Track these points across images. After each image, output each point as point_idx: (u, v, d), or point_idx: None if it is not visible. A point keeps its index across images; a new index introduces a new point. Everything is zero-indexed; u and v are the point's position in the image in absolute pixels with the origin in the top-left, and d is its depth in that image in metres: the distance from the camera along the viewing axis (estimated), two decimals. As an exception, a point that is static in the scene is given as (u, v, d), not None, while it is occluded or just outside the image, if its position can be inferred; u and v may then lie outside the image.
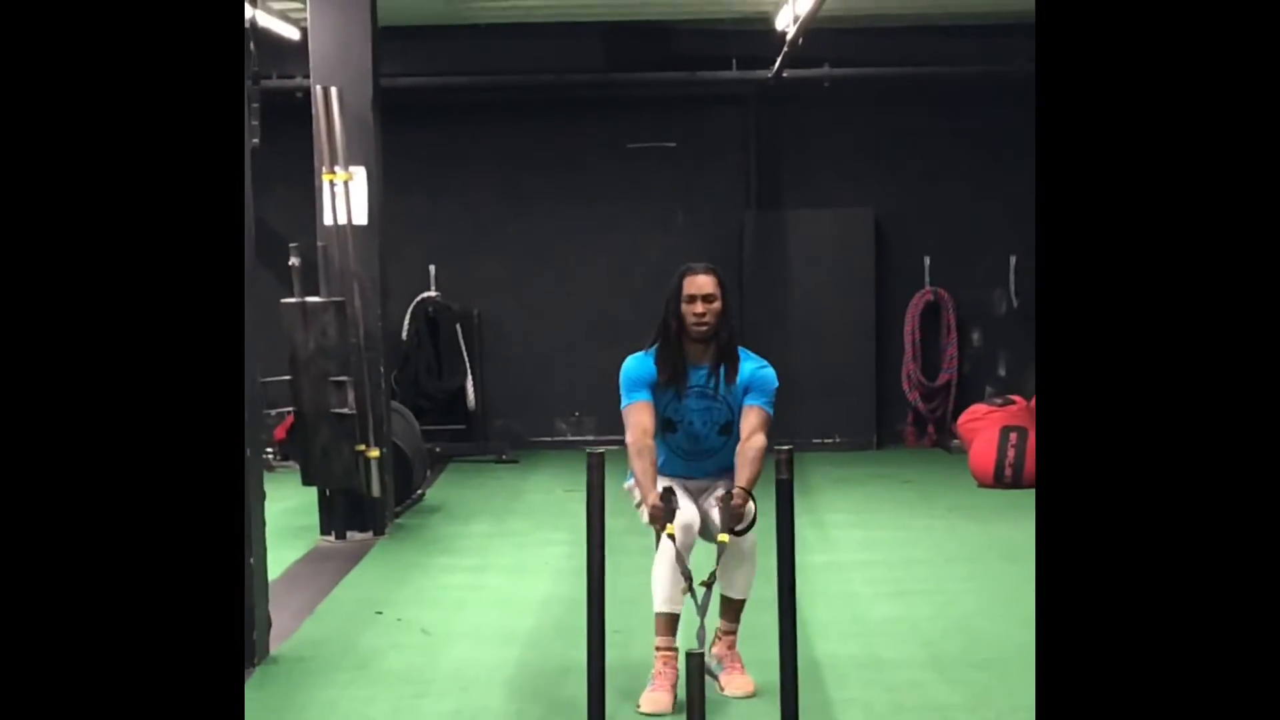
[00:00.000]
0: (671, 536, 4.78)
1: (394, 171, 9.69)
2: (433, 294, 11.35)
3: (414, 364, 11.23)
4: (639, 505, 5.00)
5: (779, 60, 10.17)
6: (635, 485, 5.04)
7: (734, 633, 5.26)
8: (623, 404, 5.09)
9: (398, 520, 8.55)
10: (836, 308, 11.46)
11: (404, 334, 11.21)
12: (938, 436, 11.62)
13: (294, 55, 9.45)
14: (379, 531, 8.19)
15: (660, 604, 5.03)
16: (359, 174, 8.24)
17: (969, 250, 11.52)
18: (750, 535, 4.97)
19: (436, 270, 11.42)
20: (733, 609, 5.23)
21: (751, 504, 4.91)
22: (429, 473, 9.97)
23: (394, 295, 10.22)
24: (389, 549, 7.88)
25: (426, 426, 10.50)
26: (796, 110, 11.57)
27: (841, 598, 6.60)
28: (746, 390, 5.12)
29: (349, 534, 8.13)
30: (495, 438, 11.45)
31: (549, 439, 11.61)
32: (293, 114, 9.03)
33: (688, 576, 4.74)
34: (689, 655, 4.15)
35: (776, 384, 5.16)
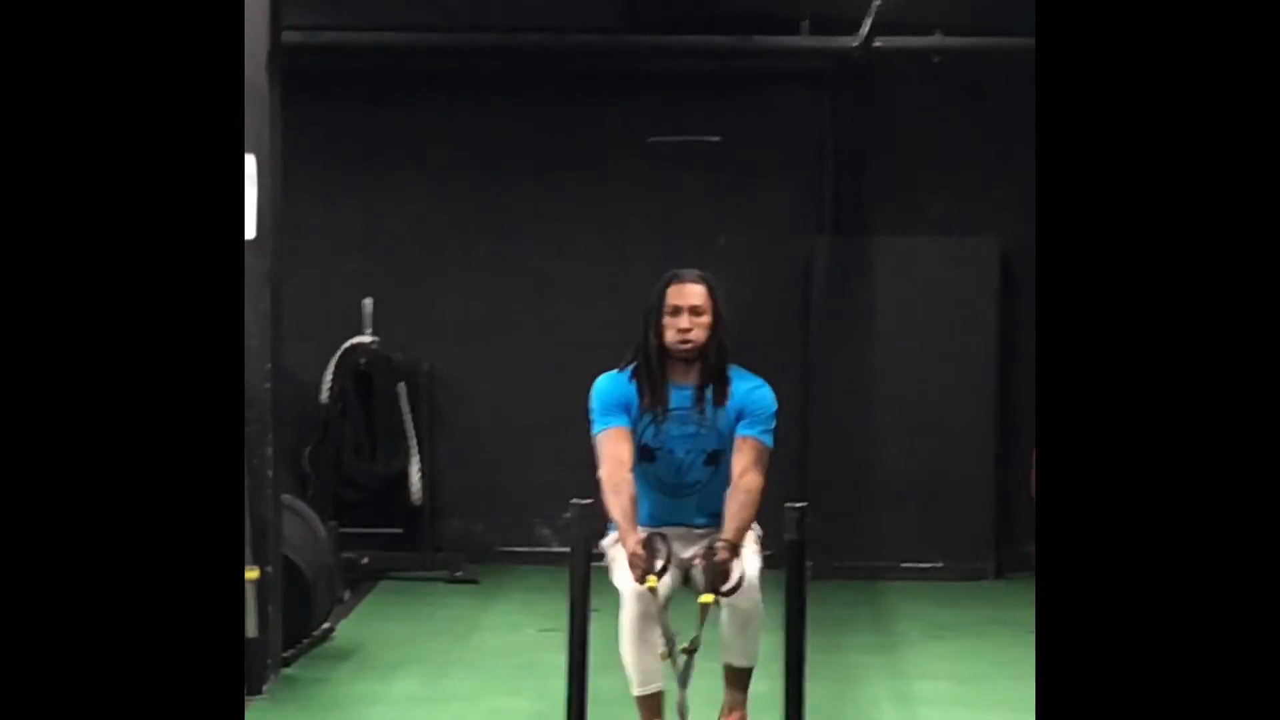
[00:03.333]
0: (653, 590, 5.48)
1: (308, 165, 9.83)
2: (366, 339, 10.91)
3: (336, 438, 10.83)
4: (610, 561, 5.80)
5: (868, 22, 9.90)
6: (612, 539, 5.79)
7: (742, 705, 5.97)
8: (594, 430, 5.83)
9: (286, 670, 7.98)
10: (942, 378, 11.07)
11: (324, 394, 10.84)
12: (1081, 565, 10.84)
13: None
14: (252, 689, 7.56)
15: (638, 685, 5.75)
16: (245, 164, 7.61)
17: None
18: (752, 592, 5.69)
19: (374, 306, 10.99)
20: (737, 678, 5.92)
21: (741, 560, 5.65)
22: (346, 595, 9.58)
23: (312, 340, 10.32)
24: (264, 718, 7.30)
25: (350, 529, 10.18)
26: (892, 94, 11.17)
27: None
28: (739, 416, 5.84)
29: (209, 691, 7.37)
30: (448, 546, 11.05)
31: (524, 549, 11.23)
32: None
33: (670, 639, 5.51)
34: None
35: (775, 407, 5.89)
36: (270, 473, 7.81)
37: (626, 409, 5.86)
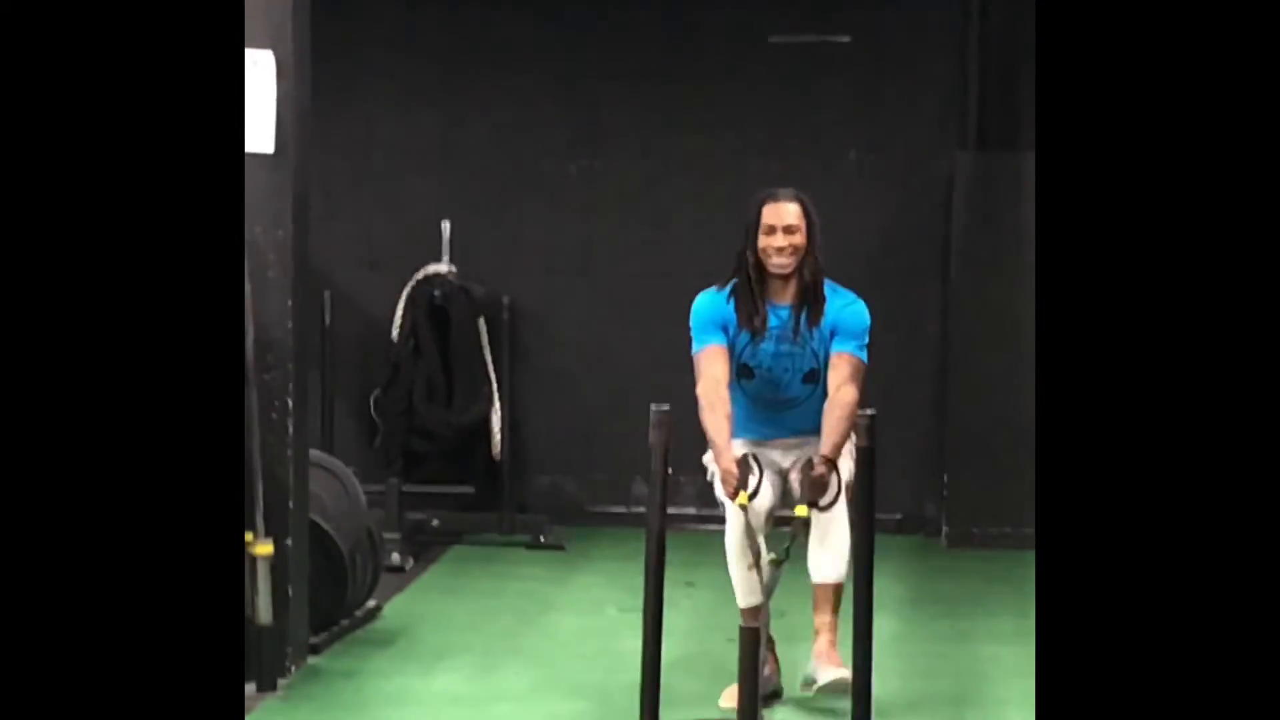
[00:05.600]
0: (744, 508, 6.14)
1: (377, 68, 10.26)
2: (443, 268, 10.43)
3: (407, 381, 10.36)
4: (712, 477, 6.44)
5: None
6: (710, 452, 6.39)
7: (832, 628, 6.41)
8: (693, 349, 6.48)
9: (314, 659, 7.47)
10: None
11: (394, 332, 10.39)
12: None
13: None
14: (265, 684, 7.02)
15: (742, 598, 6.45)
16: (261, 63, 7.20)
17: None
18: (837, 508, 6.24)
19: (452, 231, 10.52)
20: (826, 597, 6.42)
21: (837, 474, 6.21)
22: (409, 564, 9.21)
23: (383, 268, 10.38)
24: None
25: (416, 488, 9.84)
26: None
27: None
28: (834, 333, 6.41)
29: (214, 686, 6.78)
30: (532, 506, 10.64)
31: (620, 510, 10.70)
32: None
33: (756, 552, 6.18)
34: (741, 630, 5.62)
35: (868, 321, 6.44)
36: (291, 428, 7.29)
37: (724, 328, 6.42)
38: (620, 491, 10.70)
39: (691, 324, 6.49)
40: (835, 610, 6.37)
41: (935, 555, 9.74)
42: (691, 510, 10.06)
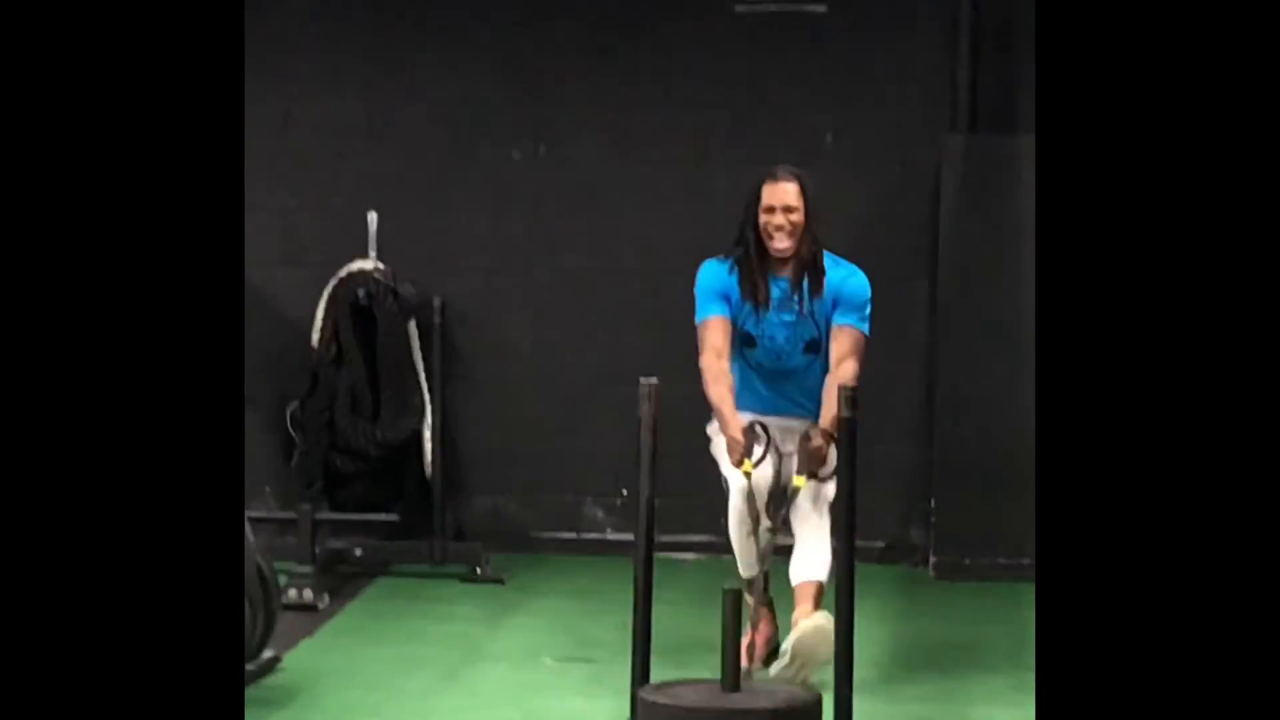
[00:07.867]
0: (748, 475, 6.61)
1: (297, 42, 9.99)
2: (368, 265, 9.92)
3: (329, 392, 9.85)
4: (712, 446, 7.04)
5: None
6: (717, 426, 6.94)
7: (812, 607, 6.75)
8: (698, 318, 7.03)
9: None
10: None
11: (314, 336, 9.89)
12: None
13: None
14: None
15: (744, 569, 6.96)
16: None
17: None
18: (826, 489, 6.65)
19: (379, 223, 10.02)
20: (807, 594, 6.75)
21: (836, 446, 6.27)
22: (324, 602, 8.52)
23: (301, 265, 10.11)
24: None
25: (334, 516, 9.40)
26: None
27: None
28: (835, 304, 6.96)
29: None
30: (469, 533, 10.12)
31: (569, 536, 10.28)
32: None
33: (756, 519, 6.67)
34: (725, 592, 5.70)
35: (869, 293, 6.99)
36: (158, 458, 6.41)
37: (726, 298, 6.93)
38: (569, 515, 10.28)
39: (696, 292, 7.04)
40: (817, 604, 6.67)
41: (922, 588, 9.04)
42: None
